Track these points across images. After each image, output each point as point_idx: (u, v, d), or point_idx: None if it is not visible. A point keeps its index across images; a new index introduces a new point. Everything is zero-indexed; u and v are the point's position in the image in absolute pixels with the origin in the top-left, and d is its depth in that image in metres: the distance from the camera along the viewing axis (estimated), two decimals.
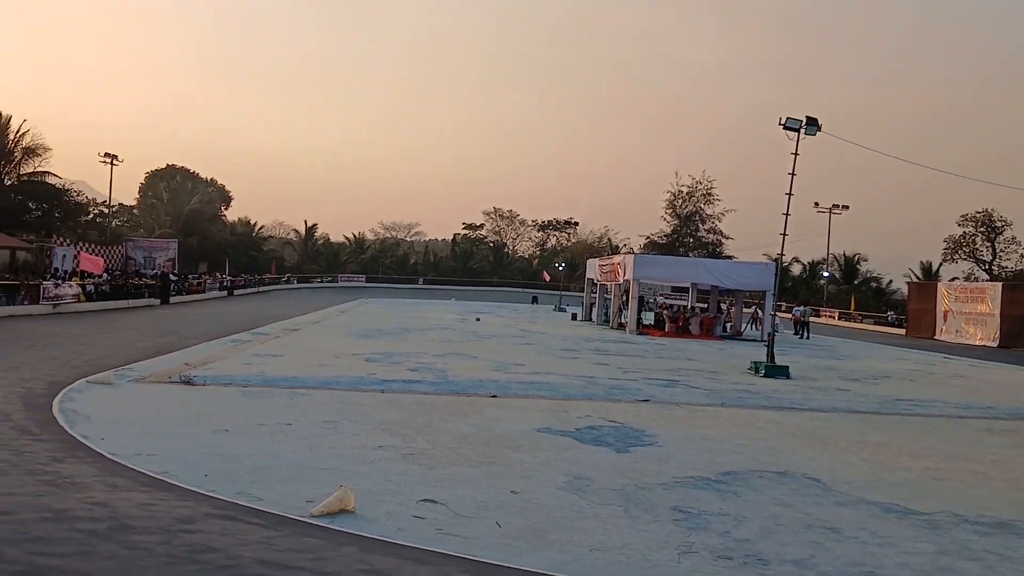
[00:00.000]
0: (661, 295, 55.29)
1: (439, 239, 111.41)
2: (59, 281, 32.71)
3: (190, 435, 9.69)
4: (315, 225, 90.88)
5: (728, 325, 37.79)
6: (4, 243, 38.83)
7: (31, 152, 58.93)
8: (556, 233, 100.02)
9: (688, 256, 67.48)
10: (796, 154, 20.66)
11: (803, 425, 12.75)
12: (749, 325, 39.42)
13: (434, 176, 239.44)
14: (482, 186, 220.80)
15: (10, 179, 56.64)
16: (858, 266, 73.61)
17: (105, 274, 40.47)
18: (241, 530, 6.11)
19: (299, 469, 8.27)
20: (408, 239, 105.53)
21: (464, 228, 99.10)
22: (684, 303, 46.02)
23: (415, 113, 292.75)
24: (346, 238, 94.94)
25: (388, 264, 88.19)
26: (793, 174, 20.68)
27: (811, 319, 40.62)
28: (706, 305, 41.79)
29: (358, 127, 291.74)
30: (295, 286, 73.27)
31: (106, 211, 66.82)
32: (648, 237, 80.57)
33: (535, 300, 67.98)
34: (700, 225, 79.32)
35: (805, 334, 38.21)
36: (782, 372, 19.55)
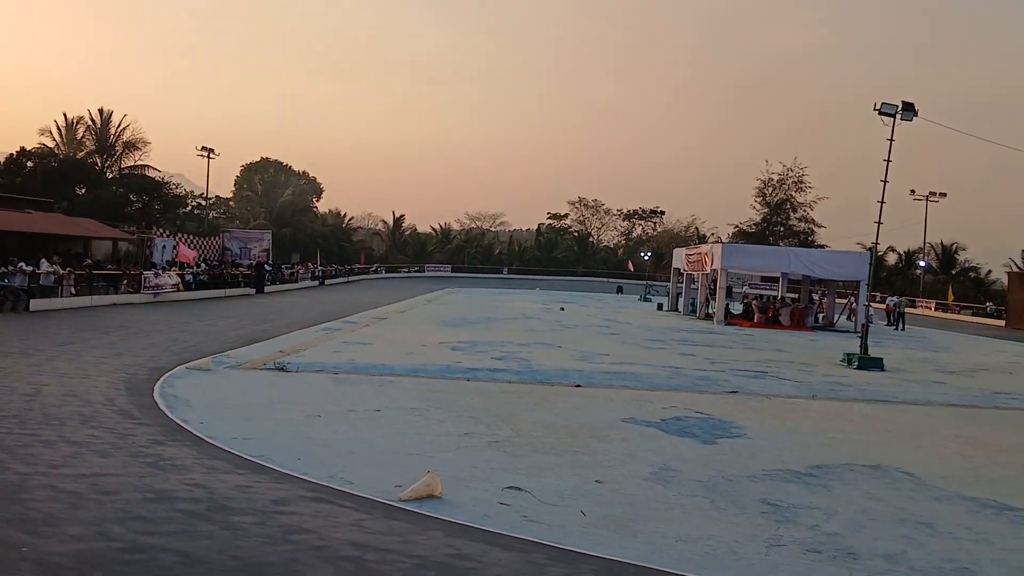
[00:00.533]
0: (748, 285, 54.27)
1: (524, 229, 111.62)
2: (159, 271, 34.02)
3: (284, 420, 10.01)
4: (402, 216, 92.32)
5: (820, 316, 36.86)
6: (107, 234, 40.56)
7: (132, 146, 61.54)
8: (642, 222, 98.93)
9: (778, 245, 65.96)
10: (892, 140, 20.01)
11: (897, 418, 12.40)
12: (842, 316, 38.35)
13: (519, 166, 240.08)
14: (567, 176, 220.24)
15: (112, 172, 59.21)
16: (956, 255, 70.70)
17: (203, 264, 41.88)
18: (333, 512, 6.30)
19: (388, 454, 8.46)
20: (493, 229, 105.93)
21: (549, 218, 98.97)
22: (773, 293, 45.07)
23: (500, 104, 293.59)
24: (432, 228, 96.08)
25: (473, 254, 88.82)
26: (888, 160, 20.05)
27: (906, 310, 39.28)
28: (797, 296, 40.83)
29: (445, 119, 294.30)
30: (383, 276, 74.52)
31: (203, 203, 69.14)
32: (737, 226, 79.10)
33: (620, 290, 67.45)
34: (791, 213, 77.41)
35: (900, 325, 37.00)
36: (876, 364, 19.01)
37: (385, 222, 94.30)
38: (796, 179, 76.48)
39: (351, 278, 65.80)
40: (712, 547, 5.98)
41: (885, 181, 20.10)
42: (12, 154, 53.01)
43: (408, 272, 79.31)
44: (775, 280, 46.87)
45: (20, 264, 24.56)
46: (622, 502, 7.06)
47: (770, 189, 77.44)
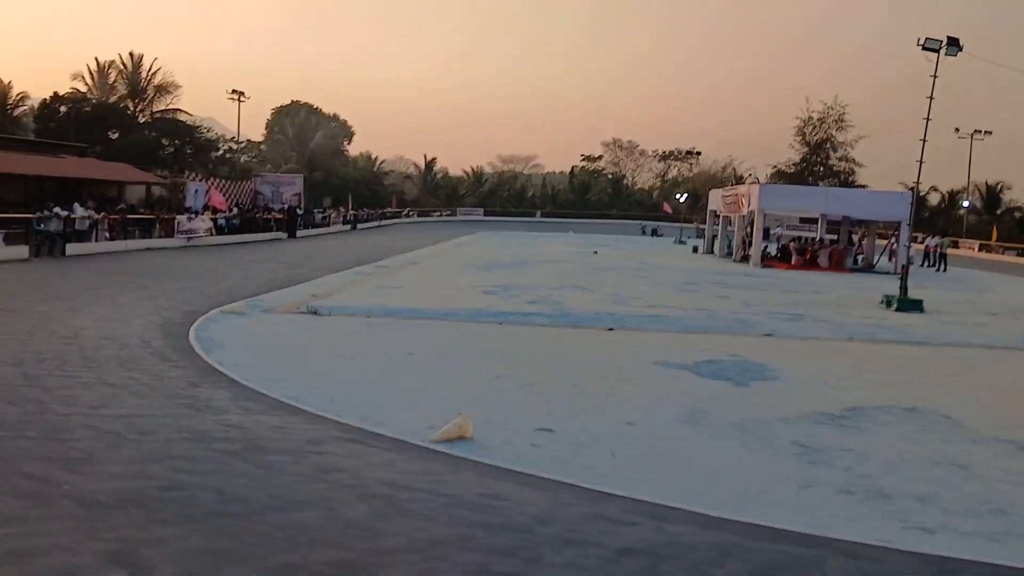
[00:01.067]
0: (782, 227, 53.47)
1: (557, 172, 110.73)
2: (192, 215, 34.28)
3: (317, 363, 10.12)
4: (434, 159, 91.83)
5: (859, 258, 36.35)
6: (140, 179, 40.87)
7: (163, 90, 61.75)
8: (677, 164, 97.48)
9: (818, 186, 64.87)
10: (935, 76, 19.45)
11: (935, 360, 12.27)
12: (882, 257, 37.77)
13: (553, 108, 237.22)
14: (600, 117, 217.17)
15: (144, 116, 59.51)
16: (1001, 195, 69.10)
17: (236, 208, 42.13)
18: (366, 452, 6.38)
19: (419, 396, 8.53)
20: (526, 172, 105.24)
21: (582, 160, 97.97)
22: (812, 234, 44.47)
23: (533, 45, 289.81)
24: (464, 172, 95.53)
25: (506, 197, 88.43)
26: (931, 98, 19.51)
27: (949, 251, 38.60)
28: (836, 237, 40.24)
29: (477, 61, 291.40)
30: (415, 220, 74.56)
31: (235, 147, 69.35)
32: (775, 166, 77.70)
33: (655, 232, 66.95)
34: (831, 153, 75.74)
35: (942, 266, 36.40)
36: (915, 306, 18.73)
37: (417, 165, 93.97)
38: (837, 118, 74.84)
39: (383, 222, 65.95)
40: (743, 488, 5.98)
41: (928, 119, 19.60)
42: (46, 99, 53.42)
43: (440, 216, 79.22)
44: (813, 221, 46.24)
45: (56, 209, 24.86)
46: (653, 444, 7.07)
47: (810, 128, 75.78)
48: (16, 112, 57.72)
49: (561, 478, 5.91)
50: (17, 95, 58.08)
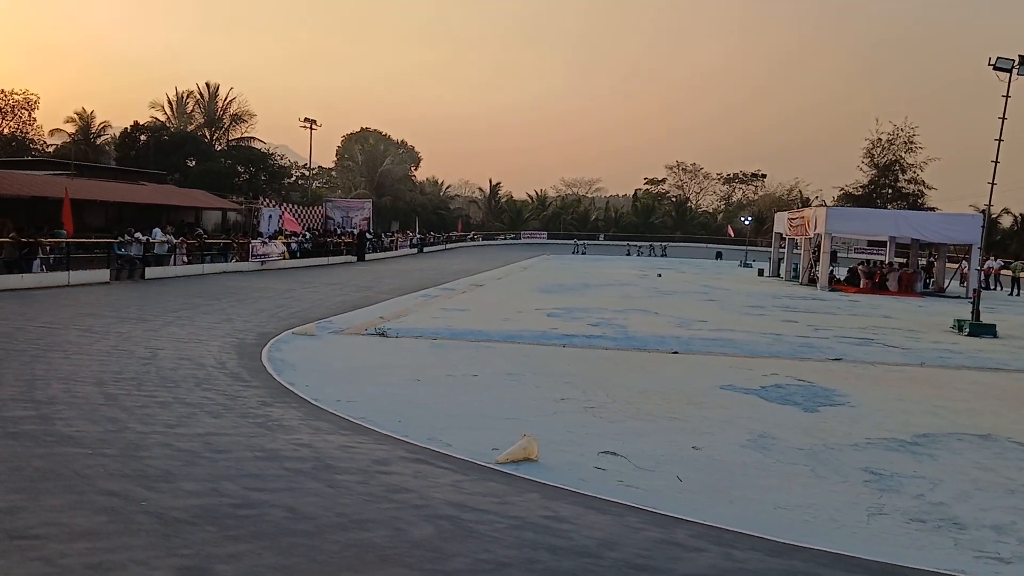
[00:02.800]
0: (854, 250, 52.40)
1: (620, 195, 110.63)
2: (266, 240, 35.12)
3: (385, 384, 10.27)
4: (499, 183, 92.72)
5: (930, 281, 35.41)
6: (216, 205, 42.10)
7: (238, 118, 63.75)
8: (742, 186, 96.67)
9: (886, 208, 63.43)
10: (1007, 96, 18.95)
11: (1010, 387, 11.87)
12: (953, 281, 36.71)
13: (617, 131, 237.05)
14: (666, 140, 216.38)
15: (220, 144, 61.38)
16: None
17: (308, 232, 43.03)
18: (432, 473, 6.46)
19: (485, 418, 8.60)
20: (589, 195, 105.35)
21: (646, 183, 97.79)
22: (880, 258, 43.47)
23: (597, 67, 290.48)
24: (528, 195, 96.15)
25: (569, 220, 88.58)
26: (1004, 118, 18.99)
27: (1022, 274, 37.26)
28: (905, 260, 39.28)
29: (541, 84, 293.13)
30: (480, 243, 75.08)
31: (307, 173, 70.93)
32: (842, 188, 76.36)
33: (719, 256, 66.25)
34: (900, 175, 74.20)
35: (1015, 290, 35.22)
36: (988, 331, 18.18)
37: (482, 189, 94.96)
38: (906, 139, 73.29)
39: (448, 245, 66.57)
40: (812, 515, 5.88)
41: (1000, 140, 19.08)
42: (126, 128, 55.47)
43: (504, 239, 79.71)
44: (882, 244, 45.24)
45: (137, 234, 25.74)
46: (719, 469, 7.00)
47: (878, 150, 74.42)
48: (99, 141, 60.17)
49: (627, 501, 5.90)
50: (99, 124, 60.62)
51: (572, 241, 73.44)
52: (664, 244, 70.04)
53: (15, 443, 6.46)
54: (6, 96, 49.76)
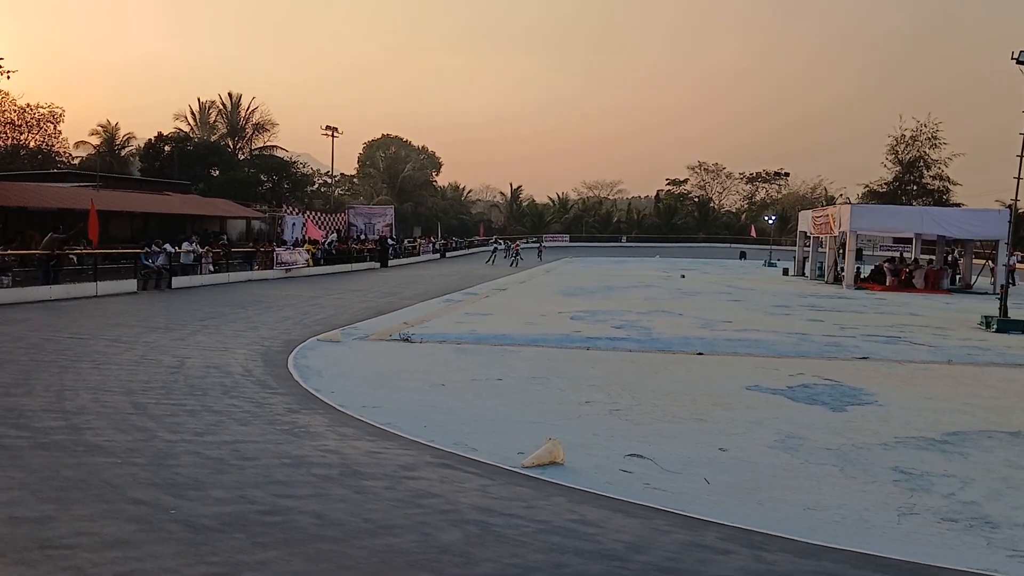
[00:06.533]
0: (879, 247, 51.90)
1: (642, 196, 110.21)
2: (290, 248, 35.34)
3: (410, 389, 10.30)
4: (520, 187, 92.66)
5: (957, 278, 35.02)
6: (240, 213, 42.45)
7: (261, 128, 64.28)
8: (765, 185, 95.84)
9: (911, 205, 62.80)
10: None
11: None
12: (980, 277, 36.23)
13: (637, 133, 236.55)
14: (686, 140, 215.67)
15: (243, 154, 61.90)
16: None
17: (335, 233, 43.28)
18: (458, 478, 6.46)
19: (510, 422, 8.59)
20: (611, 197, 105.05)
21: (668, 184, 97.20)
22: (906, 254, 43.04)
23: (616, 69, 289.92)
24: (550, 199, 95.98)
25: (591, 223, 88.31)
26: None
27: None
28: (931, 257, 38.86)
29: (560, 87, 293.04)
30: (502, 247, 75.05)
31: (329, 181, 71.32)
32: (867, 186, 75.74)
33: (743, 256, 65.85)
34: (925, 171, 73.52)
35: None
36: (1017, 327, 17.96)
37: (503, 194, 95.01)
38: (930, 135, 72.57)
39: (471, 250, 66.62)
40: (842, 515, 5.83)
41: None
42: (151, 139, 56.01)
43: (527, 243, 79.64)
44: (907, 241, 44.80)
45: (165, 245, 26.00)
46: (747, 470, 6.95)
47: (903, 146, 73.74)
48: (123, 152, 60.82)
49: (654, 504, 5.87)
50: (124, 136, 61.29)
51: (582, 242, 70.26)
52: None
53: (46, 453, 6.53)
54: (31, 110, 50.42)
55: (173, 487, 5.77)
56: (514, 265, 42.86)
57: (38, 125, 51.51)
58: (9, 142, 50.17)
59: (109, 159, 56.84)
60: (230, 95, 63.98)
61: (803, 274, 41.80)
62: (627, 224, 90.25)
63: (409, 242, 55.92)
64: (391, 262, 44.34)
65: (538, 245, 61.13)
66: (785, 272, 43.58)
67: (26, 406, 8.32)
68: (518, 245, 48.17)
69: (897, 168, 73.97)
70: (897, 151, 73.96)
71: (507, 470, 6.70)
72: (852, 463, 7.17)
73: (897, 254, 43.23)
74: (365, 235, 49.81)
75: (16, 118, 48.39)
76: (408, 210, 70.76)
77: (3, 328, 14.60)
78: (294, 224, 41.86)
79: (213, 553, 4.47)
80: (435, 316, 19.01)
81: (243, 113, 64.06)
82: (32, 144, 52.34)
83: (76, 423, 7.69)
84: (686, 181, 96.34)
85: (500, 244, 47.97)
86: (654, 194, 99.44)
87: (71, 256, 22.46)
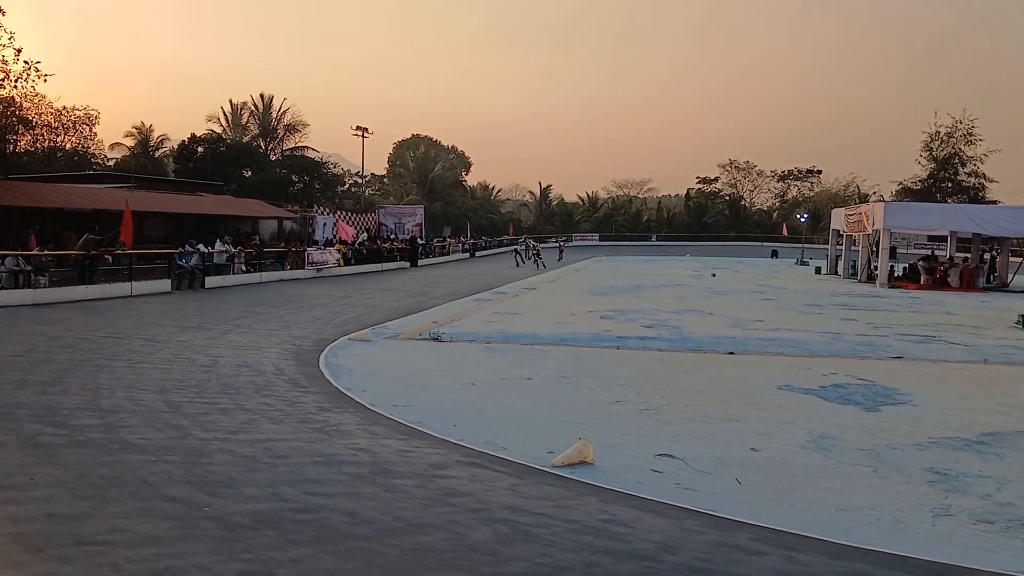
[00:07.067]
0: (914, 245, 51.24)
1: (672, 195, 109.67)
2: (321, 247, 35.59)
3: (440, 388, 10.33)
4: (549, 186, 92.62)
5: (993, 276, 34.47)
6: (272, 213, 42.83)
7: (292, 128, 64.85)
8: (797, 183, 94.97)
9: (946, 202, 61.89)
10: None
11: None
12: (1017, 275, 35.65)
13: (667, 131, 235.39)
14: (717, 138, 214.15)
15: (275, 154, 62.44)
16: None
17: (366, 232, 43.52)
18: (488, 477, 6.47)
19: (540, 421, 8.59)
20: (641, 196, 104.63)
21: (698, 182, 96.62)
22: (941, 252, 42.47)
23: (645, 67, 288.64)
24: (579, 198, 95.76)
25: (621, 222, 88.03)
26: None
27: None
28: (967, 255, 38.28)
29: (589, 86, 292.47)
30: (532, 246, 74.99)
31: (360, 181, 71.72)
32: (901, 183, 74.73)
33: (775, 254, 65.28)
34: (960, 168, 72.38)
35: None
36: None
37: (532, 193, 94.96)
38: (966, 131, 71.44)
39: (500, 249, 66.67)
40: (875, 516, 5.76)
41: None
42: (184, 141, 56.70)
43: (556, 242, 79.50)
44: (942, 239, 44.19)
45: (199, 246, 26.30)
46: (779, 470, 6.89)
47: (937, 143, 72.66)
48: (157, 153, 61.63)
49: (685, 504, 5.85)
50: (158, 137, 62.15)
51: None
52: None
53: (82, 451, 6.63)
54: (68, 112, 51.22)
55: (207, 485, 5.83)
56: (538, 266, 42.51)
57: (74, 127, 52.26)
58: (46, 144, 50.97)
59: (144, 160, 57.64)
60: (262, 96, 64.69)
61: (836, 273, 41.38)
62: (657, 223, 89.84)
63: (438, 241, 56.08)
64: (421, 262, 44.50)
65: (558, 244, 59.78)
66: (817, 271, 43.15)
67: (63, 404, 8.45)
68: (537, 246, 47.60)
69: (932, 165, 72.88)
70: (932, 148, 72.87)
71: (537, 469, 6.70)
72: (886, 464, 7.09)
73: (929, 252, 42.69)
74: (395, 235, 50.05)
75: (53, 120, 49.16)
76: (438, 210, 71.03)
77: (40, 328, 14.86)
78: (325, 224, 42.12)
79: (246, 550, 4.51)
80: (465, 315, 19.05)
81: (275, 114, 64.69)
82: (68, 146, 53.13)
83: (111, 421, 7.80)
84: (717, 179, 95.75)
85: (520, 246, 47.21)
86: (684, 192, 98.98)
87: (106, 257, 22.77)
